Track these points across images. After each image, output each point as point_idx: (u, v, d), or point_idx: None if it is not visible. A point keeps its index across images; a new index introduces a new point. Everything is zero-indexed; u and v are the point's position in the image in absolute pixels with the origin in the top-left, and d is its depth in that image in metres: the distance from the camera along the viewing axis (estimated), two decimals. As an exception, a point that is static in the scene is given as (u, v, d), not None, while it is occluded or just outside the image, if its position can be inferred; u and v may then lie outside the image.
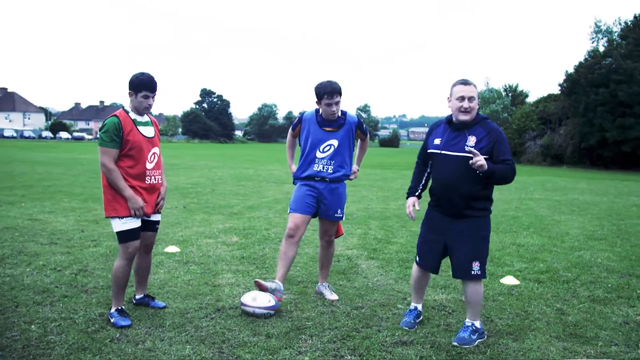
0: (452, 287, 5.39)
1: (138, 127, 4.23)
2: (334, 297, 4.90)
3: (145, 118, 4.36)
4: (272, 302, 4.41)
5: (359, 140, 5.16)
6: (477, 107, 3.93)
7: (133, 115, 4.25)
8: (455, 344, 3.88)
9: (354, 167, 5.11)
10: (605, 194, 16.71)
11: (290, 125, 5.08)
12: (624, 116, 35.47)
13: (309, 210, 4.82)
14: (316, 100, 4.75)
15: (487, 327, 4.28)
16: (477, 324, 4.04)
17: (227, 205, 11.29)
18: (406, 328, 4.22)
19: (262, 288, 4.54)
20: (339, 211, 4.91)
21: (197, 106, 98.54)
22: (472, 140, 3.87)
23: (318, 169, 4.82)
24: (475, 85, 3.94)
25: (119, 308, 4.22)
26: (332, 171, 4.81)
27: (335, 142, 4.80)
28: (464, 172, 3.85)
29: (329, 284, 5.07)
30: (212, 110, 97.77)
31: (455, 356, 3.70)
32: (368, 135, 5.16)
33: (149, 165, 4.28)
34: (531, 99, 53.96)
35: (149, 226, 4.44)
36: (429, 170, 4.26)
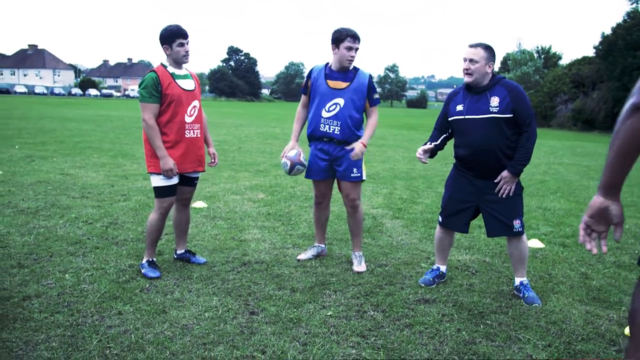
0: (477, 249, 5.41)
1: (177, 80, 4.25)
2: (362, 268, 4.64)
3: (184, 71, 4.36)
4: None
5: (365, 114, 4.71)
6: (486, 70, 3.93)
7: (171, 69, 4.26)
8: (537, 304, 3.98)
9: (358, 143, 4.53)
10: (637, 160, 16.35)
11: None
12: (660, 81, 34.36)
13: (326, 175, 4.69)
14: (333, 45, 4.43)
15: (510, 288, 4.30)
16: (526, 280, 4.18)
17: (254, 163, 11.38)
18: (423, 285, 4.29)
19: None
20: (355, 170, 4.59)
21: (224, 64, 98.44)
22: (495, 100, 3.90)
23: (324, 130, 4.54)
24: (483, 48, 3.93)
25: (150, 260, 4.34)
26: (338, 132, 4.50)
27: (341, 101, 4.47)
28: (493, 133, 3.89)
29: (361, 253, 4.82)
30: (239, 69, 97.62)
31: (477, 315, 3.75)
32: (376, 107, 4.64)
33: (188, 119, 4.30)
34: (564, 61, 52.62)
35: (187, 181, 4.49)
36: (446, 135, 4.27)
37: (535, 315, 3.79)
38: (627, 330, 3.55)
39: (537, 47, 56.16)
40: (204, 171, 4.54)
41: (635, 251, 5.54)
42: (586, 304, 4.06)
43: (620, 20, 38.70)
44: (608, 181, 1.91)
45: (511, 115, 3.87)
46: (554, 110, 42.95)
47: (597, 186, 1.91)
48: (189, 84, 4.35)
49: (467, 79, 3.97)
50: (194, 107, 4.36)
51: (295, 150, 4.62)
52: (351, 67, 4.53)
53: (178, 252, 4.70)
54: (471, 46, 3.97)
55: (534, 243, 5.63)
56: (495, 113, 3.87)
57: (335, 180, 4.80)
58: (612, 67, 37.32)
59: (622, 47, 36.38)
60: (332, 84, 4.51)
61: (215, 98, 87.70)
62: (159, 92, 4.14)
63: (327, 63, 4.61)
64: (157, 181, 4.25)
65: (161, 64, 4.30)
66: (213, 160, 4.73)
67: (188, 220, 4.72)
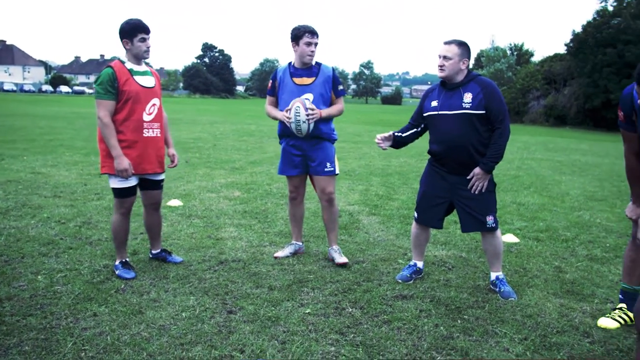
0: (453, 244, 5.45)
1: (135, 76, 4.10)
2: (343, 260, 4.69)
3: (144, 68, 4.21)
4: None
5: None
6: (460, 66, 3.97)
7: (129, 65, 4.12)
8: (512, 298, 4.01)
9: (318, 110, 4.47)
10: (607, 155, 16.69)
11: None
12: (629, 77, 35.02)
13: (300, 170, 4.71)
14: (293, 42, 4.49)
15: (486, 282, 4.35)
16: (501, 274, 4.23)
17: (229, 160, 11.31)
18: (400, 281, 4.31)
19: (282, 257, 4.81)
20: (328, 165, 4.64)
21: (199, 61, 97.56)
22: (468, 96, 3.94)
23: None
24: (457, 45, 3.97)
25: (123, 261, 4.28)
26: (312, 129, 4.50)
27: (310, 97, 4.49)
28: (465, 129, 3.93)
29: (339, 247, 4.89)
30: (214, 65, 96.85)
31: (454, 310, 3.78)
32: (342, 98, 4.70)
33: (146, 117, 4.15)
34: (536, 58, 53.33)
35: (151, 184, 4.36)
36: (417, 130, 4.31)
37: (511, 309, 3.84)
38: (600, 322, 3.62)
39: (510, 44, 56.82)
40: (164, 172, 4.41)
41: (607, 244, 5.64)
42: (560, 297, 4.13)
43: (590, 18, 39.42)
44: None
45: (483, 112, 3.91)
46: (527, 107, 43.59)
47: None
48: (148, 81, 4.19)
49: (440, 74, 4.02)
50: (154, 105, 4.21)
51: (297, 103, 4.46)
52: (313, 63, 4.56)
53: (153, 251, 4.63)
54: (445, 43, 4.01)
55: (509, 238, 5.70)
56: (467, 109, 3.91)
57: (309, 177, 4.82)
58: (582, 64, 38.00)
59: (592, 44, 37.07)
60: (298, 80, 4.54)
61: (189, 95, 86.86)
62: (115, 88, 4.00)
63: (290, 62, 4.65)
64: (114, 182, 4.12)
65: (119, 59, 4.16)
66: (172, 162, 4.54)
67: (160, 223, 4.61)
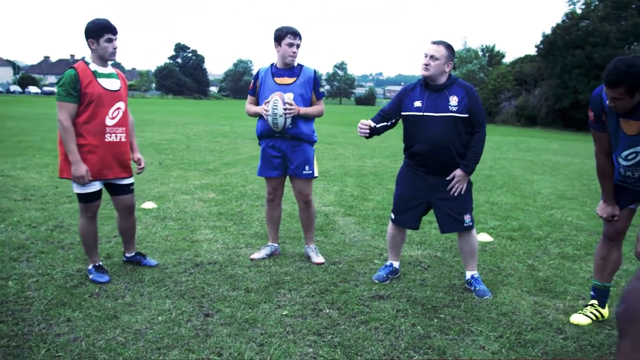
0: (428, 244, 5.50)
1: (99, 79, 3.98)
2: (320, 259, 4.76)
3: (109, 69, 4.10)
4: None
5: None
6: (445, 69, 4.01)
7: (94, 67, 4.00)
8: (487, 297, 4.06)
9: (297, 106, 4.50)
10: (576, 155, 17.01)
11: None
12: (597, 79, 35.75)
13: (279, 172, 4.73)
14: (276, 43, 4.53)
15: (462, 281, 4.39)
16: (476, 273, 4.28)
17: (203, 162, 11.23)
18: (377, 281, 4.33)
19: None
20: (307, 167, 4.69)
21: (171, 61, 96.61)
22: (454, 100, 3.98)
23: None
24: (445, 47, 4.00)
25: (96, 265, 4.21)
26: (290, 126, 4.52)
27: (290, 96, 4.51)
28: (449, 131, 3.97)
29: (315, 246, 4.96)
30: (187, 66, 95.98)
31: (430, 309, 3.81)
32: (322, 99, 4.74)
33: (109, 122, 4.02)
34: (507, 59, 54.04)
35: (121, 189, 4.26)
36: (387, 124, 4.26)
37: (486, 307, 3.89)
38: (573, 319, 3.68)
39: (482, 46, 57.48)
40: (131, 176, 4.30)
41: (578, 242, 5.75)
42: (534, 294, 4.19)
43: (559, 20, 40.12)
44: None
45: (467, 115, 3.98)
46: (499, 107, 44.15)
47: None
48: (113, 84, 4.08)
49: (423, 72, 4.01)
50: (118, 109, 4.08)
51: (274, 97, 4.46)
52: (295, 64, 4.61)
53: (127, 254, 4.56)
54: (434, 43, 4.01)
55: (483, 237, 5.77)
56: (454, 112, 3.96)
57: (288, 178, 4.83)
58: (552, 65, 38.65)
59: (561, 46, 37.72)
60: (280, 80, 4.58)
61: (162, 96, 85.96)
62: (77, 90, 3.88)
63: (273, 63, 4.68)
64: (76, 187, 4.02)
65: (83, 60, 4.05)
66: (139, 166, 4.41)
67: (134, 226, 4.53)
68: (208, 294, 3.93)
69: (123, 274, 4.31)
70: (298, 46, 4.54)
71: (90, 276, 4.13)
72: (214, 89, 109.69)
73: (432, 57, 3.96)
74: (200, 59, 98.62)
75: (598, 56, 35.39)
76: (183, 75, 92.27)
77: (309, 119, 4.66)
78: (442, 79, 4.03)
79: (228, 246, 5.18)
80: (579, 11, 40.12)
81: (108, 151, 4.05)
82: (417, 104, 4.06)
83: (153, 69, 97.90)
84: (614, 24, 36.27)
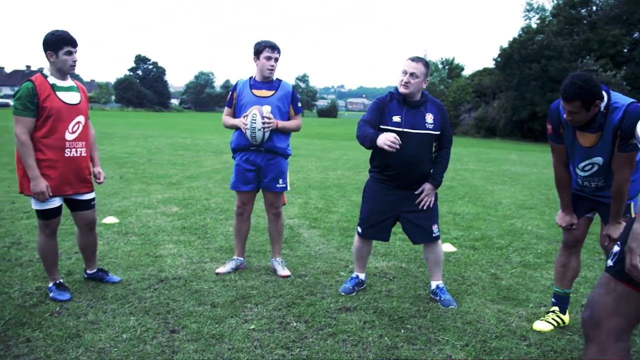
0: (393, 255, 5.54)
1: (57, 92, 3.88)
2: (286, 272, 4.76)
3: (69, 82, 4.01)
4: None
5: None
6: (422, 85, 4.08)
7: (52, 80, 3.90)
8: (453, 306, 4.11)
9: (275, 120, 4.55)
10: (535, 165, 17.43)
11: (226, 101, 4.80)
12: (553, 91, 36.85)
13: (251, 187, 4.74)
14: (255, 56, 4.62)
15: (427, 292, 4.44)
16: (441, 283, 4.35)
17: (165, 175, 11.08)
18: (343, 293, 4.34)
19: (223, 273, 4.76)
20: (280, 181, 4.74)
21: (131, 73, 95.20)
22: (430, 117, 4.09)
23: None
24: (423, 64, 4.05)
25: (57, 282, 4.10)
26: (266, 139, 4.55)
27: (268, 109, 4.55)
28: (424, 147, 4.09)
29: (282, 259, 4.97)
30: (147, 78, 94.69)
31: (397, 320, 3.84)
32: (300, 115, 4.80)
33: (69, 136, 3.93)
34: (467, 72, 55.16)
35: (82, 205, 4.17)
36: None
37: (452, 316, 3.94)
38: (535, 325, 3.76)
39: (442, 59, 58.59)
40: (92, 191, 4.21)
41: (539, 250, 5.89)
42: (497, 303, 4.27)
43: (516, 34, 41.22)
44: None
45: (439, 133, 4.12)
46: (459, 119, 44.95)
47: (639, 212, 1.89)
48: (72, 97, 3.99)
49: (403, 90, 4.02)
50: (78, 122, 3.99)
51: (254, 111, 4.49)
52: (274, 78, 4.68)
53: (89, 271, 4.45)
54: (413, 60, 4.04)
55: (447, 247, 5.85)
56: (430, 130, 4.07)
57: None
58: (509, 78, 39.63)
59: (518, 59, 38.72)
60: (258, 92, 4.63)
61: (122, 108, 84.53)
62: (35, 104, 3.77)
63: (252, 76, 4.73)
64: (36, 204, 3.91)
65: (41, 72, 3.95)
66: (97, 179, 4.31)
67: (95, 242, 4.43)
68: (173, 310, 3.87)
69: (85, 291, 4.21)
70: (276, 59, 4.61)
71: (51, 294, 4.02)
72: (175, 102, 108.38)
73: (412, 74, 4.00)
74: (161, 71, 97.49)
75: (553, 69, 36.47)
76: (143, 88, 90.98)
77: (285, 133, 4.71)
78: (419, 96, 4.10)
79: (193, 261, 5.11)
80: (534, 26, 41.34)
81: (68, 166, 3.96)
82: (396, 119, 4.07)
83: (112, 80, 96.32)
84: (567, 39, 37.51)
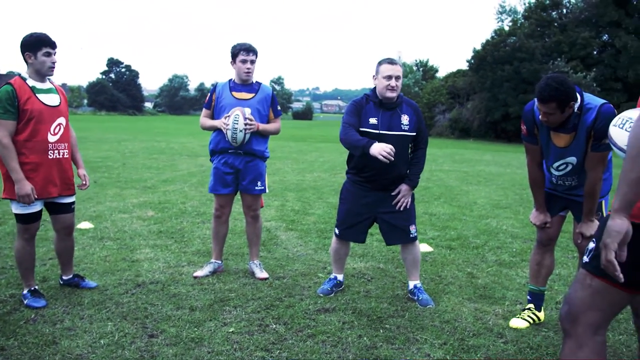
0: (370, 256, 5.58)
1: (37, 94, 3.86)
2: (264, 275, 4.75)
3: (48, 85, 3.98)
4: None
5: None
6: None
7: (31, 82, 3.87)
8: (430, 305, 4.15)
9: (257, 122, 4.55)
10: (508, 165, 17.68)
11: (204, 103, 4.78)
12: (525, 92, 37.46)
13: (230, 189, 4.74)
14: (231, 60, 4.63)
15: (405, 292, 4.48)
16: (419, 283, 4.38)
17: (140, 179, 10.97)
18: (321, 294, 4.36)
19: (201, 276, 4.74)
20: (259, 184, 4.74)
21: (104, 76, 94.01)
22: (405, 119, 4.13)
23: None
24: (401, 66, 4.16)
25: (32, 289, 4.03)
26: (246, 141, 4.55)
27: (248, 111, 4.55)
28: (400, 149, 4.08)
29: (260, 261, 4.95)
30: (120, 81, 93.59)
31: (376, 320, 3.86)
32: (279, 118, 4.81)
33: (51, 138, 3.92)
34: (441, 74, 55.75)
35: (61, 208, 4.13)
36: None
37: (429, 316, 3.98)
38: (512, 323, 3.83)
39: (416, 61, 59.14)
40: (73, 194, 4.19)
41: (513, 249, 5.98)
42: (474, 301, 4.32)
43: (489, 37, 41.79)
44: (630, 198, 1.83)
45: (415, 134, 4.16)
46: (433, 120, 45.40)
47: (613, 209, 1.86)
48: (52, 99, 3.96)
49: (391, 94, 4.06)
50: (59, 124, 3.98)
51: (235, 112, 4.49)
52: (253, 81, 4.69)
53: (65, 277, 4.39)
54: (394, 63, 4.09)
55: (423, 247, 5.90)
56: (406, 131, 4.12)
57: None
58: (483, 79, 40.18)
59: (491, 61, 39.29)
60: (238, 95, 4.63)
61: (94, 112, 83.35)
62: (15, 107, 3.74)
63: (231, 79, 4.73)
64: (17, 208, 3.87)
65: (20, 75, 3.91)
66: (84, 183, 4.29)
67: (72, 247, 4.39)
68: (151, 314, 3.84)
69: (61, 297, 4.15)
70: (252, 62, 4.61)
71: (26, 301, 3.95)
72: (149, 105, 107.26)
73: (397, 77, 4.05)
74: (134, 74, 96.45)
75: (525, 71, 37.08)
76: (116, 91, 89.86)
77: (265, 135, 4.71)
78: (395, 97, 4.13)
79: (170, 265, 5.08)
80: (506, 28, 41.95)
81: (52, 169, 3.95)
82: (373, 120, 4.11)
83: (85, 84, 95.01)
84: (539, 41, 38.18)
